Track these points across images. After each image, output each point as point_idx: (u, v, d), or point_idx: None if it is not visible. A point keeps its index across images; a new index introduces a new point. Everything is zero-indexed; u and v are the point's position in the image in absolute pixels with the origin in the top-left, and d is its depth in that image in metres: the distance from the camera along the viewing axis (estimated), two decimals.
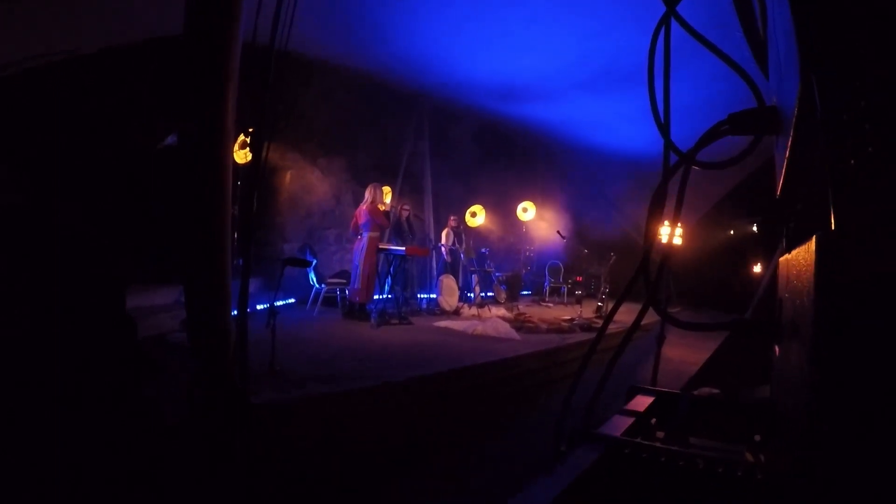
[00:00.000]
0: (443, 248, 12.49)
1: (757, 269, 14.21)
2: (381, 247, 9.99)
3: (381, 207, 10.14)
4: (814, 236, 0.91)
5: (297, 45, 6.36)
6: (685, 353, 8.11)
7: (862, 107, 0.89)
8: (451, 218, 12.85)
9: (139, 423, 4.02)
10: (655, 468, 1.70)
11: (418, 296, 12.37)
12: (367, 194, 9.86)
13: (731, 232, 17.62)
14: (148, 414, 4.17)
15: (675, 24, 1.96)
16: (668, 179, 1.91)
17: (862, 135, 0.88)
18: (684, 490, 1.65)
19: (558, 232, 14.19)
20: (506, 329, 9.33)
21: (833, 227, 0.88)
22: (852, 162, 0.89)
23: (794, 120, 1.10)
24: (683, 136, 2.01)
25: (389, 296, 10.07)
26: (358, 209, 10.01)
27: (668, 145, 1.89)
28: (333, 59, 10.70)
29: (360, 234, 9.77)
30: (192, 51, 3.70)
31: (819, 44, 0.97)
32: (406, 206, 11.84)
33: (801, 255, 1.08)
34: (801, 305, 1.06)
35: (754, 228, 16.94)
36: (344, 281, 10.35)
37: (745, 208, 16.12)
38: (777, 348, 1.66)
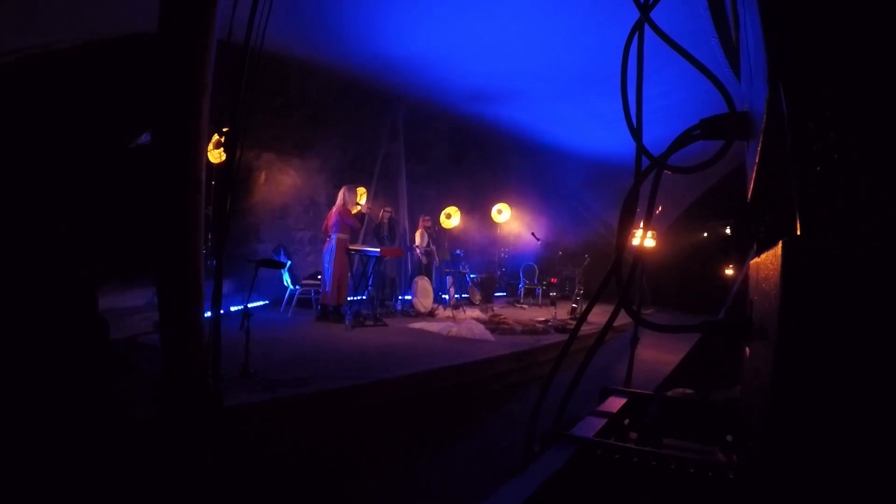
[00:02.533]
0: (417, 250, 12.47)
1: (730, 271, 14.37)
2: (353, 248, 9.96)
3: (355, 209, 10.12)
4: (780, 241, 0.92)
5: (272, 44, 6.33)
6: (659, 355, 8.19)
7: (828, 115, 0.91)
8: (425, 218, 12.80)
9: (107, 422, 3.98)
10: (628, 469, 1.72)
11: (399, 297, 12.34)
12: (339, 197, 9.85)
13: (705, 234, 17.79)
14: (117, 413, 4.12)
15: (648, 30, 1.98)
16: (640, 182, 1.93)
17: (827, 142, 0.90)
18: (657, 490, 1.67)
19: (532, 234, 14.25)
20: (480, 331, 9.35)
21: (799, 232, 0.90)
22: (818, 169, 0.90)
23: (763, 126, 1.12)
24: (658, 137, 2.03)
25: (364, 297, 10.04)
26: (329, 212, 9.98)
27: (640, 149, 1.91)
28: (309, 58, 10.65)
29: (329, 237, 9.74)
30: (166, 48, 3.66)
31: (787, 52, 0.99)
32: (388, 209, 11.83)
33: (769, 259, 1.10)
34: (768, 308, 1.08)
35: (728, 231, 17.12)
36: (317, 282, 10.29)
37: (719, 211, 16.29)
38: (747, 349, 1.69)
